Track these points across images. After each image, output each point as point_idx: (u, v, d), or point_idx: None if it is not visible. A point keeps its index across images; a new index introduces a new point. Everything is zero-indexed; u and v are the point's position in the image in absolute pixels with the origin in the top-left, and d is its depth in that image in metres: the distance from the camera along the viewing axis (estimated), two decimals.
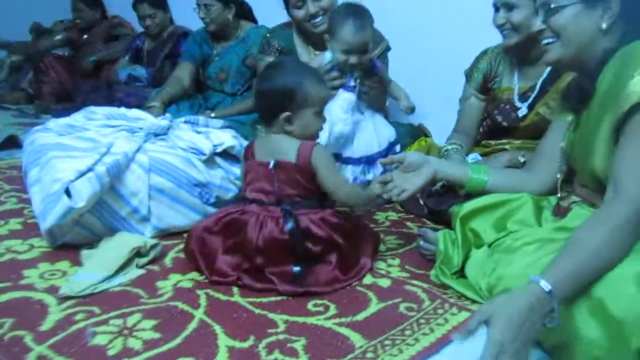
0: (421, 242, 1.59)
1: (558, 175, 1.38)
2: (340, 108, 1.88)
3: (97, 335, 1.16)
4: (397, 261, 1.58)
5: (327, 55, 1.96)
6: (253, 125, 2.38)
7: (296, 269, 1.36)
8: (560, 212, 1.36)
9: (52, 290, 1.34)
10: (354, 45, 1.83)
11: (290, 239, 1.36)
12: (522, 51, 1.85)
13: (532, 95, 1.87)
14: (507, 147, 1.92)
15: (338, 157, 1.94)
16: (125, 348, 1.13)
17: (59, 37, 3.97)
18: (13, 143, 2.71)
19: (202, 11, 2.68)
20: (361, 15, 1.84)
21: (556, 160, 1.40)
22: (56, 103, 3.74)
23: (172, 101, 2.74)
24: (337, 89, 1.91)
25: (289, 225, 1.36)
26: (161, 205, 1.70)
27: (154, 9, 3.25)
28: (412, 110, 1.97)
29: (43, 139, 1.78)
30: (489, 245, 1.37)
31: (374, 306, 1.33)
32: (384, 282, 1.45)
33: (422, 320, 1.27)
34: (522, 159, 1.78)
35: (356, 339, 1.18)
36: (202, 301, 1.33)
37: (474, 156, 1.93)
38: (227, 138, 1.88)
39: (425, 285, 1.43)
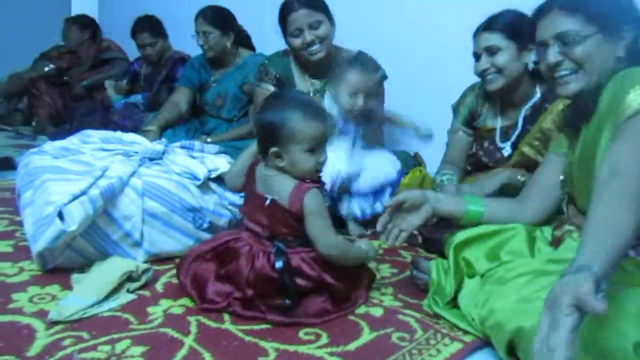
0: (414, 272, 1.59)
1: (562, 206, 1.40)
2: (337, 159, 1.88)
3: None
4: (390, 290, 1.57)
5: (325, 103, 1.99)
6: None
7: (286, 302, 1.35)
8: (554, 241, 1.36)
9: (41, 314, 1.33)
10: (361, 88, 1.86)
11: (279, 278, 1.35)
12: (505, 95, 1.88)
13: (514, 134, 1.89)
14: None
15: (347, 191, 1.95)
16: None
17: (47, 68, 3.93)
18: (8, 165, 2.71)
19: (200, 38, 2.71)
20: (368, 60, 1.92)
21: (550, 191, 1.42)
22: (52, 126, 3.74)
23: (168, 126, 2.76)
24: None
25: (278, 264, 1.35)
26: (154, 229, 1.69)
27: (154, 37, 3.29)
28: (430, 135, 2.00)
29: (38, 162, 1.79)
30: (482, 276, 1.37)
31: (366, 335, 1.32)
32: (377, 311, 1.44)
33: (414, 351, 1.26)
34: (521, 178, 1.77)
35: None
36: (193, 328, 1.31)
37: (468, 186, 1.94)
38: (222, 164, 1.89)
39: (418, 315, 1.42)
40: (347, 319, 1.40)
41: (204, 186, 1.81)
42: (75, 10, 4.48)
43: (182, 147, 2.01)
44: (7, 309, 1.35)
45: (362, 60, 1.90)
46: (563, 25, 1.24)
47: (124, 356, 1.17)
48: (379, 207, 1.98)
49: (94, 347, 1.20)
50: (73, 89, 3.85)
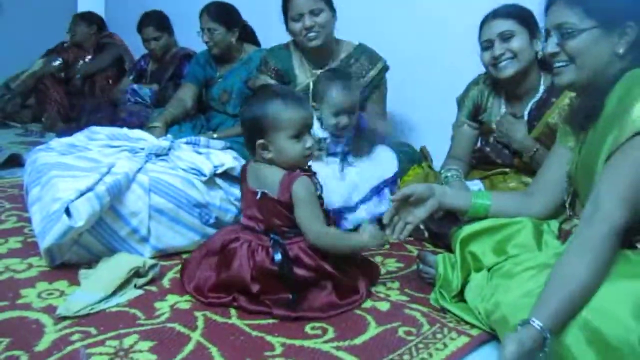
0: (420, 266, 1.59)
1: (565, 198, 1.38)
2: (326, 177, 1.84)
3: (93, 356, 1.15)
4: (396, 284, 1.57)
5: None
6: None
7: (291, 297, 1.35)
8: (562, 235, 1.36)
9: (49, 309, 1.34)
10: (344, 107, 1.87)
11: (279, 270, 1.35)
12: (512, 85, 1.86)
13: None
14: (506, 170, 1.92)
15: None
16: None
17: (56, 62, 3.95)
18: (16, 161, 2.73)
19: (205, 35, 2.71)
20: (346, 77, 1.93)
21: (557, 185, 1.41)
22: (62, 122, 3.76)
23: (174, 122, 2.75)
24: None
25: (277, 256, 1.36)
26: (160, 225, 1.70)
27: (159, 32, 3.30)
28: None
29: (45, 158, 1.80)
30: (489, 270, 1.36)
31: (373, 330, 1.32)
32: (383, 306, 1.44)
33: (420, 345, 1.26)
34: None
35: None
36: (200, 323, 1.32)
37: (476, 182, 1.93)
38: (228, 159, 1.89)
39: (425, 309, 1.42)
40: (354, 313, 1.40)
41: (210, 182, 1.82)
42: (82, 7, 4.49)
43: (187, 143, 2.01)
44: (16, 305, 1.36)
45: (341, 76, 1.91)
46: (562, 17, 1.23)
47: (132, 351, 1.18)
48: (383, 208, 1.95)
49: (102, 342, 1.21)
50: (72, 82, 3.86)
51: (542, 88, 1.85)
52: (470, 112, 2.00)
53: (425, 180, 2.00)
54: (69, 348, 1.18)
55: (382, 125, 2.18)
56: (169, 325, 1.30)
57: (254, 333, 1.28)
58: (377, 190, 1.97)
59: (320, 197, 1.47)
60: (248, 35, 2.88)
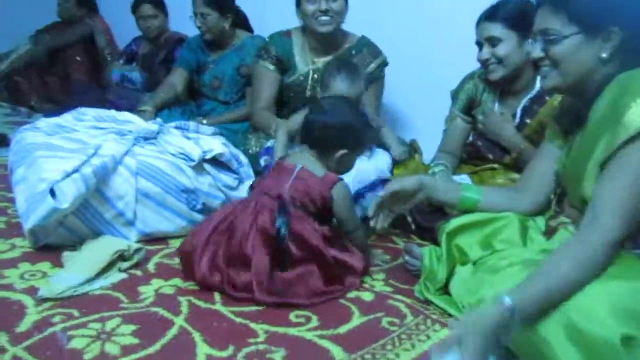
0: (406, 258, 1.59)
1: (552, 196, 1.39)
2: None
3: (74, 338, 1.15)
4: (381, 276, 1.58)
5: None
6: (244, 134, 2.38)
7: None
8: (548, 231, 1.36)
9: (32, 291, 1.32)
10: (349, 94, 1.85)
11: (277, 235, 1.36)
12: (506, 83, 1.87)
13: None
14: (495, 166, 1.93)
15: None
16: (102, 353, 1.11)
17: (22, 50, 3.81)
18: (2, 141, 2.69)
19: (198, 20, 2.68)
20: (353, 68, 1.91)
21: (545, 181, 1.41)
22: (52, 103, 3.70)
23: (164, 106, 2.73)
24: None
25: (279, 221, 1.37)
26: (147, 209, 1.69)
27: (157, 10, 3.26)
28: (404, 157, 1.99)
29: (31, 138, 1.77)
30: (474, 263, 1.37)
31: (357, 319, 1.32)
32: (368, 296, 1.45)
33: (403, 336, 1.26)
34: None
35: (337, 351, 1.17)
36: (184, 308, 1.31)
37: (463, 177, 1.93)
38: (217, 145, 1.88)
39: (409, 301, 1.43)
40: (338, 302, 1.40)
41: (198, 167, 1.80)
42: None
43: (177, 127, 1.99)
44: None
45: (348, 66, 1.91)
46: (546, 22, 1.22)
47: (114, 334, 1.18)
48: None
49: (84, 325, 1.20)
50: (34, 53, 3.77)
51: (538, 86, 1.84)
52: (464, 105, 2.00)
53: (415, 174, 1.99)
54: (50, 330, 1.17)
55: (375, 120, 2.17)
56: (153, 309, 1.30)
57: (238, 319, 1.28)
58: (370, 189, 1.97)
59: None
60: (241, 21, 2.85)
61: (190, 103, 2.90)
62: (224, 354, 1.14)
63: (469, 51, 1.89)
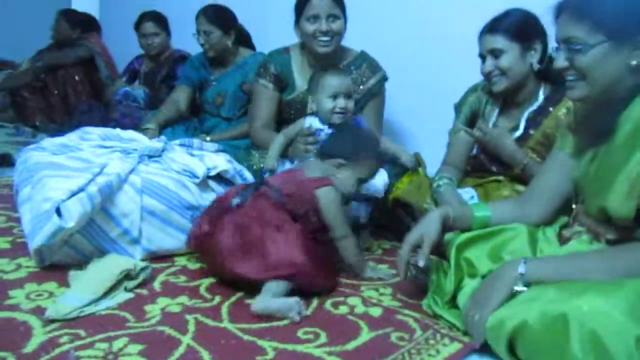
0: (414, 271, 1.58)
1: (574, 206, 1.38)
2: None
3: (82, 358, 1.14)
4: (389, 290, 1.57)
5: (307, 121, 1.98)
6: (247, 150, 2.38)
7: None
8: (562, 241, 1.36)
9: (38, 311, 1.32)
10: (340, 88, 1.88)
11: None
12: (509, 95, 1.87)
13: (515, 136, 1.86)
14: (500, 178, 1.92)
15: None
16: None
17: (38, 63, 3.87)
18: (6, 161, 2.70)
19: (201, 37, 2.71)
20: (338, 67, 2.00)
21: (556, 191, 1.40)
22: (56, 123, 3.72)
23: (167, 124, 2.75)
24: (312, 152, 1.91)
25: (264, 173, 1.56)
26: (152, 227, 1.68)
27: (158, 28, 3.29)
28: (415, 163, 2.00)
29: (36, 158, 1.78)
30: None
31: (365, 335, 1.31)
32: (375, 311, 1.44)
33: (413, 351, 1.25)
34: None
35: None
36: (191, 326, 1.30)
37: (468, 190, 1.92)
38: (221, 162, 1.88)
39: (417, 315, 1.42)
40: (346, 318, 1.39)
41: (202, 184, 1.81)
42: (76, 5, 4.38)
43: (181, 144, 2.00)
44: (3, 306, 1.34)
45: (333, 67, 1.99)
46: (570, 31, 1.18)
47: (121, 354, 1.17)
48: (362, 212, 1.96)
49: (91, 345, 1.19)
50: (34, 70, 3.81)
51: (541, 97, 1.84)
52: (468, 118, 2.00)
53: (419, 187, 1.98)
54: (58, 350, 1.16)
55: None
56: (159, 328, 1.29)
57: (246, 337, 1.27)
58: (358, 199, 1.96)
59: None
60: (244, 39, 2.88)
61: (193, 120, 2.92)
62: None
63: (471, 64, 1.89)
